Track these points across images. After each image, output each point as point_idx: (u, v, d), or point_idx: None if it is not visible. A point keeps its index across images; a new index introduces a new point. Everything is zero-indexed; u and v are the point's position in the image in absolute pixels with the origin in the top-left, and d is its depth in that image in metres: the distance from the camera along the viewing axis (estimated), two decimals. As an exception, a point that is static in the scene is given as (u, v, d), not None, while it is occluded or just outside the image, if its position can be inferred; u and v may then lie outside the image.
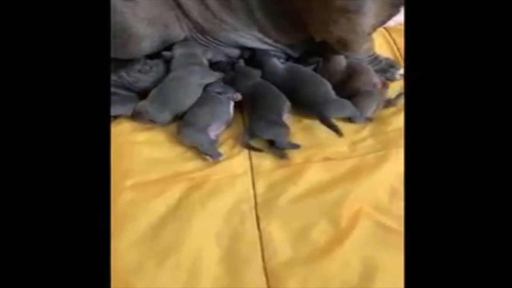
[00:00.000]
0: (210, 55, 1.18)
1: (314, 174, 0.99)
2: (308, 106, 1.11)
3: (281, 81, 1.14)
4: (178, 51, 1.15)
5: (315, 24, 1.11)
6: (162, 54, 1.14)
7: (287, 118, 1.10)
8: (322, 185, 0.97)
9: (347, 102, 1.09)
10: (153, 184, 0.98)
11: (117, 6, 1.04)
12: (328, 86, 1.12)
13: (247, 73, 1.17)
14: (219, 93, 1.11)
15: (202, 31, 1.16)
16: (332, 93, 1.12)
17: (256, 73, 1.16)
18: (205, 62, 1.16)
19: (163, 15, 1.10)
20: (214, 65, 1.18)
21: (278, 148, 1.03)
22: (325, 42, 1.16)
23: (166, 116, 1.08)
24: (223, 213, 0.93)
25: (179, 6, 1.11)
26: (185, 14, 1.13)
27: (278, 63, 1.18)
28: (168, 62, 1.14)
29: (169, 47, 1.16)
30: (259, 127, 1.06)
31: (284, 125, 1.06)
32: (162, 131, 1.08)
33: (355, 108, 1.08)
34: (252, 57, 1.21)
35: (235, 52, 1.21)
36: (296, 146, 1.04)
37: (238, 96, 1.12)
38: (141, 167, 1.00)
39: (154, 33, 1.10)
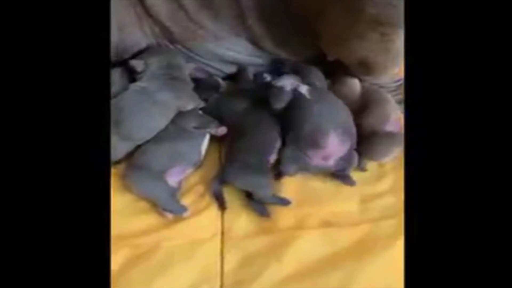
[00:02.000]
0: (191, 68, 0.89)
1: (307, 247, 0.73)
2: None
3: None
4: (153, 60, 0.84)
5: (331, 37, 0.81)
6: (129, 64, 0.84)
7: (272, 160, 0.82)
8: (317, 264, 0.72)
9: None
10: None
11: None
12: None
13: (235, 99, 0.88)
14: (197, 127, 0.83)
15: (172, 38, 0.88)
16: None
17: (244, 100, 0.88)
18: (188, 79, 0.87)
19: (118, 13, 0.81)
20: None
21: (258, 203, 0.76)
22: (339, 61, 0.86)
23: (121, 145, 0.80)
24: (174, 298, 0.67)
25: (142, 2, 0.83)
26: (149, 14, 0.84)
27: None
28: (131, 74, 0.85)
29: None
30: (231, 171, 0.79)
31: (266, 172, 0.79)
32: (108, 171, 0.81)
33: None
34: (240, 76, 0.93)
35: (215, 70, 0.93)
36: (285, 202, 0.77)
37: (223, 130, 0.84)
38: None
39: None
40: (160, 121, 0.81)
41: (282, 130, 0.83)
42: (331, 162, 0.79)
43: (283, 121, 0.84)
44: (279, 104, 0.82)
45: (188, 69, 0.87)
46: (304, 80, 0.86)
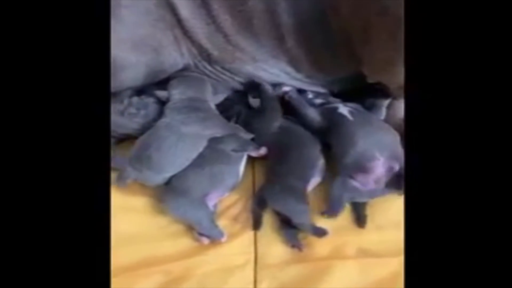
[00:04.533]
0: (221, 97, 0.89)
1: (344, 278, 0.70)
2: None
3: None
4: (176, 92, 0.84)
5: (374, 62, 0.78)
6: (155, 94, 0.85)
7: (314, 183, 0.79)
8: None
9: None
10: (116, 275, 0.69)
11: (90, 23, 0.76)
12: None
13: (266, 112, 0.86)
14: (235, 150, 0.81)
15: (209, 59, 0.86)
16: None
17: (277, 113, 0.85)
18: (213, 107, 0.86)
19: (156, 35, 0.81)
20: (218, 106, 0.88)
21: (292, 234, 0.73)
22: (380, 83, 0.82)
23: (155, 178, 0.79)
24: (206, 327, 0.66)
25: (180, 23, 0.82)
26: (188, 36, 0.83)
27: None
28: (162, 104, 0.85)
29: (164, 81, 0.87)
30: (271, 193, 0.77)
31: (304, 197, 0.76)
32: (140, 194, 0.80)
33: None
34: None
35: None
36: (321, 233, 0.73)
37: (264, 151, 0.82)
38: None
39: (140, 60, 0.81)
40: (189, 152, 0.79)
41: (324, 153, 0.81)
42: (382, 185, 0.76)
43: (325, 144, 0.82)
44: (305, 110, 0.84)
45: (217, 99, 0.87)
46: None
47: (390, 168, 0.76)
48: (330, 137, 0.82)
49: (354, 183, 0.76)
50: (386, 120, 0.84)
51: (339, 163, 0.79)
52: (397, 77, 0.74)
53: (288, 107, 0.86)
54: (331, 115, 0.84)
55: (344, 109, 0.83)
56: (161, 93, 0.84)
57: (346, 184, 0.76)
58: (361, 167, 0.76)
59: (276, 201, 0.76)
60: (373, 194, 0.76)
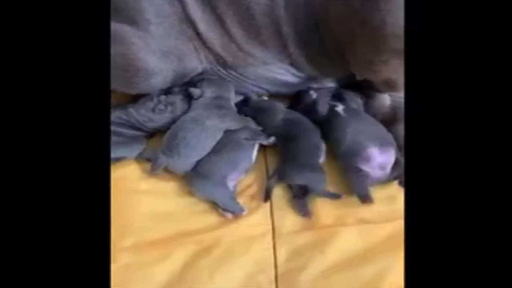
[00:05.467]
0: (238, 98, 1.04)
1: (346, 241, 0.83)
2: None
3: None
4: (209, 90, 1.00)
5: (360, 63, 0.95)
6: (190, 91, 0.99)
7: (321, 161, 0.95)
8: (355, 256, 0.82)
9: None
10: (154, 246, 0.83)
11: (125, 36, 0.90)
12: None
13: (269, 109, 1.01)
14: (247, 139, 0.95)
15: (225, 65, 1.01)
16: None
17: (280, 107, 1.01)
18: (233, 105, 1.01)
19: (179, 46, 0.96)
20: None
21: (302, 203, 0.88)
22: (367, 80, 0.99)
23: (183, 163, 0.92)
24: (235, 285, 0.79)
25: (199, 36, 0.97)
26: (205, 45, 0.98)
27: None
28: (191, 99, 0.99)
29: (190, 81, 1.02)
30: (291, 171, 0.91)
31: (318, 168, 0.91)
32: (170, 179, 0.93)
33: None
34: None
35: (263, 90, 1.06)
36: (335, 196, 0.88)
37: (272, 140, 0.97)
38: (142, 223, 0.86)
39: (167, 67, 0.95)
40: (209, 142, 0.93)
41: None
42: (388, 171, 0.89)
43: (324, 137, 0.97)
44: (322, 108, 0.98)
45: (236, 99, 1.02)
46: (342, 102, 1.00)
47: (385, 153, 0.90)
48: (327, 130, 0.96)
49: (364, 172, 0.89)
50: (374, 109, 1.00)
51: (337, 153, 0.93)
52: (379, 74, 0.91)
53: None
54: (329, 112, 0.99)
55: (339, 108, 0.99)
56: (195, 91, 0.99)
57: (359, 176, 0.89)
58: (358, 155, 0.89)
59: (293, 176, 0.90)
60: (385, 178, 0.89)
